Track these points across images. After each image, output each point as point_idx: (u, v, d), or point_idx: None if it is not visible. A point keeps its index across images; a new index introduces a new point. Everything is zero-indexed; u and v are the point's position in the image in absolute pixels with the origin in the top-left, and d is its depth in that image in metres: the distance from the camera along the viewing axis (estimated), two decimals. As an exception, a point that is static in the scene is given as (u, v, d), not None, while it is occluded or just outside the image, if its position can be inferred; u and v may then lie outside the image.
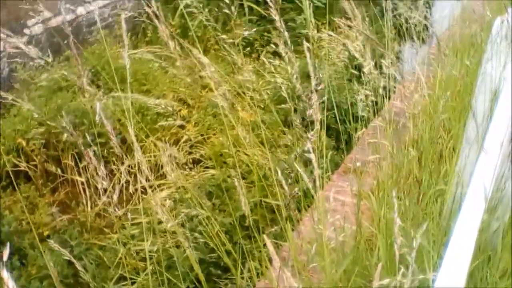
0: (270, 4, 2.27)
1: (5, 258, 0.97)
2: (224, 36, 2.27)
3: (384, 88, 2.48)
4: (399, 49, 3.20)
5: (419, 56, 2.97)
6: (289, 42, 2.65)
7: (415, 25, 2.75)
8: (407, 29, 2.81)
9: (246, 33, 2.36)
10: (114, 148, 2.09)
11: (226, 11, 2.33)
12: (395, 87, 3.41)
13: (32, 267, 3.48)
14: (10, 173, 4.08)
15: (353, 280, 2.03)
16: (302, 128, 3.55)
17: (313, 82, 2.06)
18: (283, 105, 5.02)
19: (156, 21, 2.13)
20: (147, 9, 2.13)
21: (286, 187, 2.02)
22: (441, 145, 2.39)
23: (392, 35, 2.61)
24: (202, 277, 2.24)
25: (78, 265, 1.66)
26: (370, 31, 3.14)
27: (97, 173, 1.79)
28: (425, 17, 2.77)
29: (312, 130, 4.03)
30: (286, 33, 2.21)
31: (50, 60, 2.20)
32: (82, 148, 1.92)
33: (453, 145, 2.34)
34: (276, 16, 2.24)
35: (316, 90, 2.11)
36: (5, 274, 0.91)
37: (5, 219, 3.71)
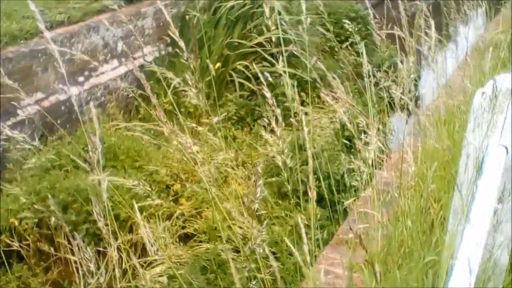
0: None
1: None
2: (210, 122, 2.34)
3: (374, 159, 2.53)
4: (386, 121, 3.28)
5: (406, 127, 3.04)
6: (279, 117, 2.72)
7: (401, 97, 2.83)
8: (393, 101, 2.89)
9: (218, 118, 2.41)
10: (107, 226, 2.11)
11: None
12: (384, 157, 3.46)
13: None
14: (2, 253, 4.05)
15: None
16: (295, 199, 3.56)
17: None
18: (274, 178, 5.05)
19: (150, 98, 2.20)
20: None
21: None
22: (432, 215, 2.41)
23: (378, 107, 2.68)
24: None
25: None
26: (356, 103, 3.23)
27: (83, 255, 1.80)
28: (410, 90, 2.86)
29: (306, 201, 4.06)
30: (277, 110, 2.28)
31: (36, 144, 2.26)
32: (67, 230, 1.93)
33: (443, 215, 2.36)
34: (268, 93, 2.31)
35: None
36: None
37: (-3, 300, 3.65)
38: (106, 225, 4.17)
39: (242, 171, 4.95)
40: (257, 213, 2.16)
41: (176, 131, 2.14)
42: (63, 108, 5.49)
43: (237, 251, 4.33)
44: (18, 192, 4.27)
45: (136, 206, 1.99)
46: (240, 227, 4.24)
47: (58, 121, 5.32)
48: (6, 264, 4.09)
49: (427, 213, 2.50)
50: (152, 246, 1.95)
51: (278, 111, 2.16)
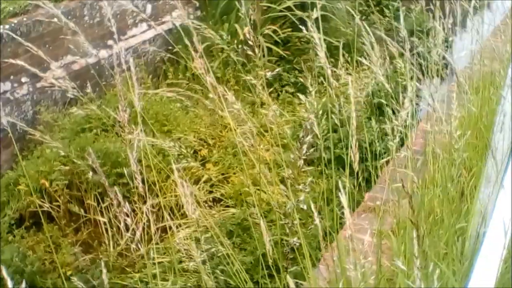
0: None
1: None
2: (248, 77, 2.32)
3: (405, 126, 2.49)
4: (418, 87, 3.21)
5: (438, 94, 2.98)
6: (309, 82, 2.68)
7: (435, 63, 2.76)
8: (426, 67, 2.82)
9: (269, 74, 2.39)
10: (137, 188, 2.12)
11: (248, 52, 2.36)
12: (414, 125, 3.41)
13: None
14: (40, 213, 4.14)
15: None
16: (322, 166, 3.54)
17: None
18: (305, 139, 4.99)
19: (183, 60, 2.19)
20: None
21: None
22: (462, 183, 2.37)
23: (412, 73, 2.63)
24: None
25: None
26: (390, 69, 3.16)
27: (121, 210, 1.81)
28: (444, 55, 2.78)
29: (330, 168, 4.02)
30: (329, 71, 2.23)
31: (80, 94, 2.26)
32: (107, 184, 1.95)
33: (474, 183, 2.32)
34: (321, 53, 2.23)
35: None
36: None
37: (29, 259, 3.74)
38: (136, 188, 4.22)
39: (269, 138, 4.93)
40: (302, 170, 2.15)
41: (218, 87, 2.13)
42: (92, 71, 5.52)
43: (263, 216, 4.35)
44: (50, 152, 4.33)
45: (174, 165, 1.98)
46: (265, 192, 4.25)
47: (88, 84, 5.35)
48: (37, 224, 4.19)
49: (458, 182, 2.46)
50: (191, 205, 1.95)
51: (329, 71, 2.12)
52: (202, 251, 2.55)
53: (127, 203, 1.85)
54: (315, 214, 1.90)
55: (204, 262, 2.36)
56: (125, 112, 1.90)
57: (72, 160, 4.33)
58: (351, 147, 3.28)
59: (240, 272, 2.42)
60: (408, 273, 1.90)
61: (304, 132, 2.00)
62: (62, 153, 3.94)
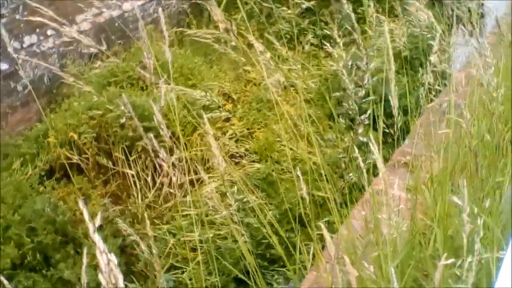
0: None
1: (97, 223, 1.04)
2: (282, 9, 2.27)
3: (441, 77, 2.43)
4: (453, 38, 3.13)
5: (474, 44, 2.90)
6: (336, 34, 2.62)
7: (470, 13, 2.68)
8: (462, 18, 2.74)
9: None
10: (164, 140, 2.12)
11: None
12: (446, 78, 3.33)
13: (86, 255, 3.56)
14: (69, 165, 4.16)
15: (407, 273, 2.00)
16: (347, 122, 3.50)
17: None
18: (333, 94, 4.97)
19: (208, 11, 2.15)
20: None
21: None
22: (498, 137, 2.33)
23: (448, 23, 2.56)
24: (254, 264, 2.25)
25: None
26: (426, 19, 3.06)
27: (156, 155, 1.81)
28: (481, 5, 2.69)
29: (358, 124, 3.99)
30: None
31: (104, 49, 2.23)
32: (141, 129, 1.94)
33: (510, 137, 2.27)
34: None
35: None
36: (97, 238, 0.96)
37: (60, 209, 3.81)
38: (162, 141, 4.22)
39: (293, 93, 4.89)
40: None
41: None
42: (116, 24, 5.48)
43: (288, 171, 4.34)
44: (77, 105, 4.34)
45: (205, 116, 1.96)
46: (291, 149, 4.23)
47: (113, 37, 5.33)
48: (67, 176, 4.24)
49: (494, 135, 2.42)
50: (219, 157, 1.94)
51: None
52: (230, 205, 2.56)
53: (162, 149, 1.85)
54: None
55: (232, 214, 2.37)
56: (150, 59, 1.87)
57: (99, 114, 4.34)
58: (376, 103, 3.24)
59: (266, 225, 2.44)
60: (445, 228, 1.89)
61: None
62: (90, 106, 3.94)
